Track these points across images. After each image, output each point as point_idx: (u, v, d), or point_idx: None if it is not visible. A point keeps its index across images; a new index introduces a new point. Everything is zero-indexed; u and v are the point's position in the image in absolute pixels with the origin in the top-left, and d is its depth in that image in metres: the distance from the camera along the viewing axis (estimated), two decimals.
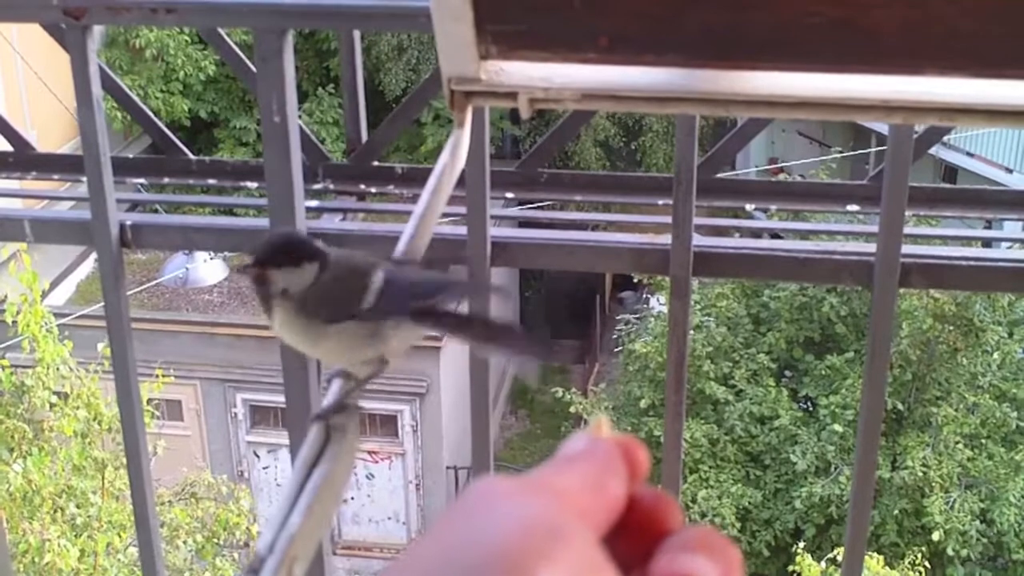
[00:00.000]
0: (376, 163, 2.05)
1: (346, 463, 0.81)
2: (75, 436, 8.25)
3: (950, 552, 11.45)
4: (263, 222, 1.86)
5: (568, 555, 0.48)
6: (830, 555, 9.86)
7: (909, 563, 10.50)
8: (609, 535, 0.53)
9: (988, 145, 18.38)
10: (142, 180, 2.18)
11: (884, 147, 1.68)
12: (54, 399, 8.28)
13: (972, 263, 1.73)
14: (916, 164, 1.66)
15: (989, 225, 10.62)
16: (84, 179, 1.83)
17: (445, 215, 1.31)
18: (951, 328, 12.16)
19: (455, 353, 14.18)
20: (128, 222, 1.90)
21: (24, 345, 8.29)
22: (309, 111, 18.20)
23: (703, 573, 0.51)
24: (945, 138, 15.37)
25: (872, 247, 1.71)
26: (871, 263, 1.71)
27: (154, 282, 14.27)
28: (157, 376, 8.50)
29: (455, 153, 0.93)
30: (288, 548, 0.69)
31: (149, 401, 7.47)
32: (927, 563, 10.68)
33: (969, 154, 18.51)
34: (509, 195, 2.00)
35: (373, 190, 2.05)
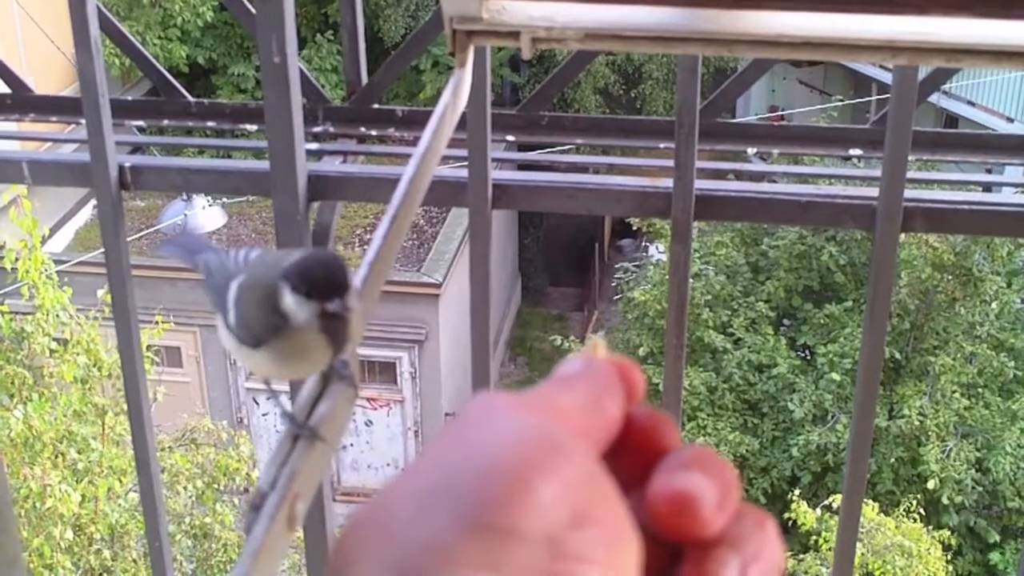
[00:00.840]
0: (376, 106, 2.04)
1: (347, 401, 0.81)
2: (75, 382, 8.27)
3: (945, 500, 11.50)
4: (263, 164, 1.85)
5: (568, 469, 0.48)
6: (825, 502, 9.94)
7: (904, 511, 10.56)
8: (606, 456, 0.52)
9: (989, 94, 18.31)
10: (140, 122, 2.16)
11: (885, 95, 1.68)
12: (54, 345, 8.29)
13: (974, 207, 1.72)
14: (917, 112, 1.65)
15: (990, 171, 10.59)
16: (83, 121, 1.82)
17: (445, 158, 1.30)
18: (950, 277, 12.16)
19: (454, 300, 14.20)
20: (127, 164, 1.90)
21: (24, 292, 8.29)
22: (308, 58, 18.12)
23: (700, 490, 0.51)
24: (946, 87, 15.29)
25: (874, 191, 1.70)
26: (873, 206, 1.70)
27: (153, 228, 14.23)
28: (157, 323, 8.51)
29: (456, 93, 0.92)
30: (290, 484, 0.69)
31: (148, 348, 7.48)
32: (922, 511, 10.74)
33: (970, 103, 18.43)
34: (510, 138, 1.99)
35: (374, 132, 2.04)
